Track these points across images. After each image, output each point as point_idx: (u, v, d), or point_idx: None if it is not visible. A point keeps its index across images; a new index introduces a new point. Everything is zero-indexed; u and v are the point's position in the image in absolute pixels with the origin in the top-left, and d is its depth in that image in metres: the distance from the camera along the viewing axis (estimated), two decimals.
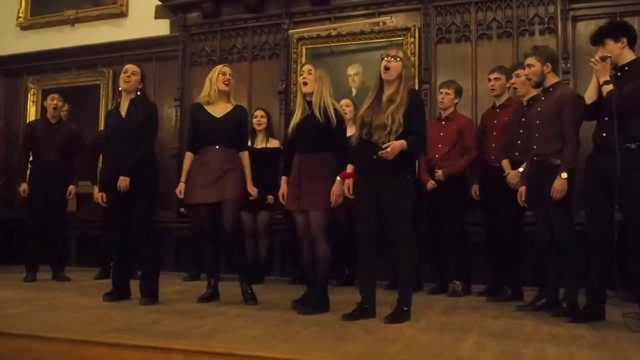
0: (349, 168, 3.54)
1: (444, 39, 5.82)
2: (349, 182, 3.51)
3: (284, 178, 3.89)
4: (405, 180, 3.34)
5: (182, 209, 5.90)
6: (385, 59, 3.39)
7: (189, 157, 4.15)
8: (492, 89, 4.58)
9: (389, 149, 3.18)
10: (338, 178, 3.57)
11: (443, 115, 4.81)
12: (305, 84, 3.77)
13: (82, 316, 3.36)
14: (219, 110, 4.09)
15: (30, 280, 5.21)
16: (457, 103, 4.83)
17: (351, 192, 3.50)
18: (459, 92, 4.82)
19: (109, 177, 4.03)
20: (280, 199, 3.89)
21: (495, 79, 4.56)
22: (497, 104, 4.60)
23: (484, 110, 4.98)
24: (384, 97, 3.39)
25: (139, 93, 4.10)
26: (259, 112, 5.45)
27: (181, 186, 4.10)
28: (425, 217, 4.88)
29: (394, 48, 3.50)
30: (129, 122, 4.00)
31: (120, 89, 4.16)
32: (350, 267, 5.06)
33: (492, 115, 4.63)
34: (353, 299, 3.55)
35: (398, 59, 3.37)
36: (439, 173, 4.63)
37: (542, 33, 5.50)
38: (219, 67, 4.23)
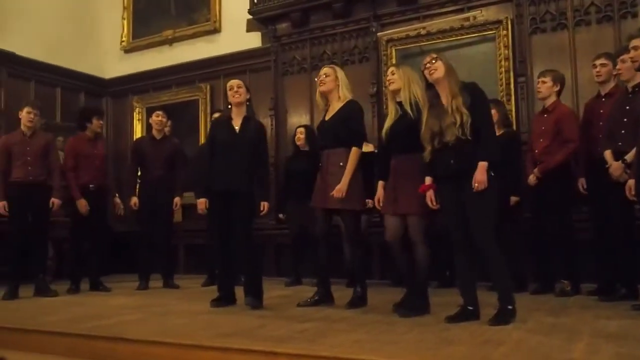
0: (427, 180, 3.49)
1: (539, 29, 5.59)
2: (430, 194, 3.46)
3: (380, 182, 3.89)
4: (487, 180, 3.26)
5: (280, 215, 6.03)
6: (427, 66, 3.38)
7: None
8: (598, 75, 4.33)
9: (476, 185, 3.16)
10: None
11: (544, 107, 4.63)
12: (391, 83, 3.78)
13: (191, 322, 3.53)
14: (331, 112, 4.16)
15: (143, 288, 5.51)
16: (558, 92, 4.61)
17: (434, 203, 3.45)
18: (557, 80, 4.60)
19: (218, 187, 4.12)
20: (376, 203, 3.89)
21: (602, 64, 4.30)
22: (603, 93, 4.35)
23: (585, 100, 4.73)
24: (444, 100, 3.35)
25: (248, 103, 4.24)
26: None
27: None
28: (525, 214, 4.71)
29: (424, 56, 3.48)
30: (242, 137, 4.14)
31: (230, 105, 4.24)
32: (450, 269, 4.96)
33: (597, 104, 4.38)
34: (454, 301, 3.49)
35: (435, 60, 3.36)
36: (535, 170, 4.48)
37: None
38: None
